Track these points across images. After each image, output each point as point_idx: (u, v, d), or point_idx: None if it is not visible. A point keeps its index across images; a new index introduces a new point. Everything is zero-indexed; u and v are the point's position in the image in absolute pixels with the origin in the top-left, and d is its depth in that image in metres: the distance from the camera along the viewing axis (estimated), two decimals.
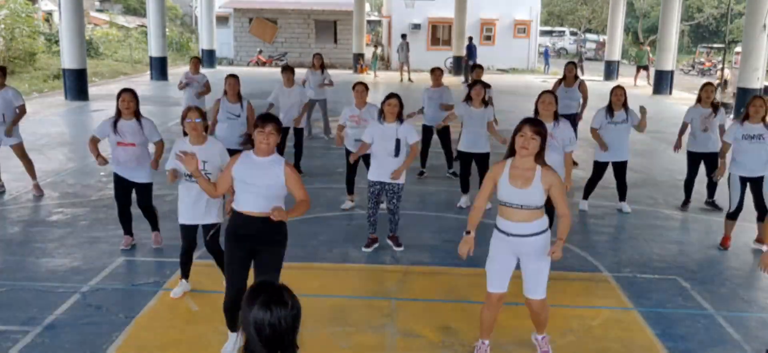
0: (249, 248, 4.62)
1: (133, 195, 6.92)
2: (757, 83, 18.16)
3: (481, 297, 6.00)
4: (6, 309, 5.55)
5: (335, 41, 35.15)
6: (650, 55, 29.59)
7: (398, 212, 7.10)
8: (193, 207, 5.55)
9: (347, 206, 8.63)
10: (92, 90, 20.22)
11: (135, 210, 7.01)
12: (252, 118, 8.26)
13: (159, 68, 25.64)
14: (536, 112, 6.76)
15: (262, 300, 2.27)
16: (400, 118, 6.88)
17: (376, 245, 7.15)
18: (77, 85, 18.74)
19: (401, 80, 27.66)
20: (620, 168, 8.54)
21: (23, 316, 5.39)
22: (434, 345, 5.12)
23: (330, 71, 13.67)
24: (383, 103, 6.89)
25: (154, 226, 7.08)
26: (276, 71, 29.05)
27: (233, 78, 8.46)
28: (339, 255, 6.94)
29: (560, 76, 11.19)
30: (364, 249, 7.10)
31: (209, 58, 30.65)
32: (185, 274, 5.91)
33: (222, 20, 34.88)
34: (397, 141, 6.82)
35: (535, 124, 4.43)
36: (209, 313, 5.54)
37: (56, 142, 12.76)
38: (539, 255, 4.53)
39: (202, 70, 12.79)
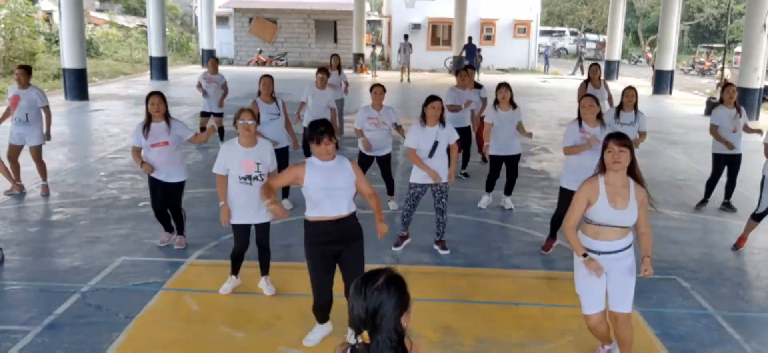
0: (334, 252, 4.70)
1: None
2: (757, 83, 18.17)
3: (481, 297, 6.05)
4: (6, 309, 5.56)
5: (335, 41, 35.15)
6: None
7: (446, 212, 7.04)
8: (247, 208, 5.55)
9: (392, 207, 8.60)
10: (92, 90, 20.23)
11: (139, 211, 7.01)
12: (287, 115, 8.32)
13: (159, 68, 25.64)
14: (580, 118, 6.66)
15: (355, 288, 2.37)
16: (442, 121, 6.81)
17: (407, 242, 7.16)
18: (77, 84, 18.74)
19: (401, 80, 27.67)
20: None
21: (23, 316, 5.39)
22: (434, 344, 5.12)
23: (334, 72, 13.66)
24: (425, 105, 6.79)
25: (181, 229, 7.05)
26: (277, 71, 29.12)
27: (268, 78, 8.37)
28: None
29: (585, 78, 11.17)
30: (393, 248, 7.10)
31: (209, 57, 30.63)
32: (235, 271, 5.91)
33: (222, 20, 34.89)
34: (435, 143, 6.76)
35: (619, 137, 4.32)
36: (209, 313, 5.54)
37: (56, 142, 12.73)
38: (628, 268, 4.45)
39: (203, 70, 12.84)
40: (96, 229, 7.62)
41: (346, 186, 4.61)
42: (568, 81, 29.16)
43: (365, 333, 2.31)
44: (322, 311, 4.91)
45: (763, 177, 7.34)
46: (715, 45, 41.05)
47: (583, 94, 10.80)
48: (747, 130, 8.72)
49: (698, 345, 5.23)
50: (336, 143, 4.68)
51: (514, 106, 8.34)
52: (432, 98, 6.79)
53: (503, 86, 8.38)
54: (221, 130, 11.91)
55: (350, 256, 4.74)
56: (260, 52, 34.30)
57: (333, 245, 4.66)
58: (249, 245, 5.79)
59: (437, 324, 5.42)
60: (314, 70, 13.48)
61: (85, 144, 13.06)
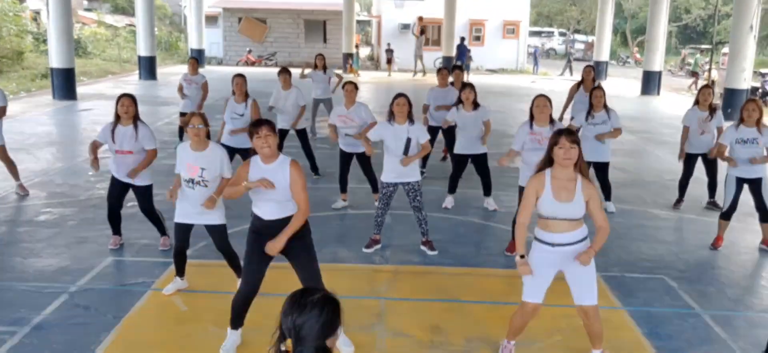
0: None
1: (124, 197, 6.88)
2: (744, 84, 18.31)
3: (470, 296, 6.06)
4: None
5: (325, 41, 35.13)
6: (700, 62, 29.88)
7: (424, 209, 7.05)
8: (188, 209, 5.58)
9: (339, 205, 8.64)
10: (80, 89, 20.13)
11: (127, 211, 6.98)
12: (256, 115, 8.32)
13: (148, 68, 25.54)
14: (532, 116, 6.78)
15: (291, 298, 2.50)
16: (410, 118, 6.81)
17: (377, 247, 7.15)
18: (65, 84, 18.63)
19: (414, 75, 28.89)
20: (601, 169, 8.53)
21: (11, 316, 5.36)
22: (423, 344, 5.13)
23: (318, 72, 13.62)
24: (392, 103, 6.81)
25: (162, 230, 7.02)
26: (266, 71, 29.07)
27: (240, 77, 8.43)
28: (329, 255, 6.93)
29: (579, 79, 11.20)
30: (365, 249, 7.08)
31: (198, 57, 30.54)
32: (180, 272, 5.89)
33: (211, 20, 34.76)
34: (408, 140, 6.76)
35: (570, 133, 4.45)
36: (198, 313, 5.53)
37: (44, 142, 12.69)
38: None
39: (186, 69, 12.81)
40: (84, 229, 7.58)
41: (281, 190, 4.58)
42: (557, 81, 29.25)
43: (289, 342, 2.40)
44: (241, 306, 4.81)
45: (727, 175, 7.44)
46: (702, 46, 41.29)
47: (575, 94, 10.91)
48: (719, 133, 8.74)
49: (686, 344, 5.26)
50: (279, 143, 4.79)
51: (476, 106, 8.38)
52: (398, 95, 6.81)
53: (467, 87, 8.48)
54: (181, 131, 11.95)
55: (299, 254, 4.75)
56: (250, 51, 34.21)
57: (269, 240, 4.66)
58: (189, 245, 5.79)
59: (426, 324, 5.43)
60: (308, 72, 13.55)
61: (73, 144, 12.99)
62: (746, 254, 7.49)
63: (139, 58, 25.91)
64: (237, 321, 4.92)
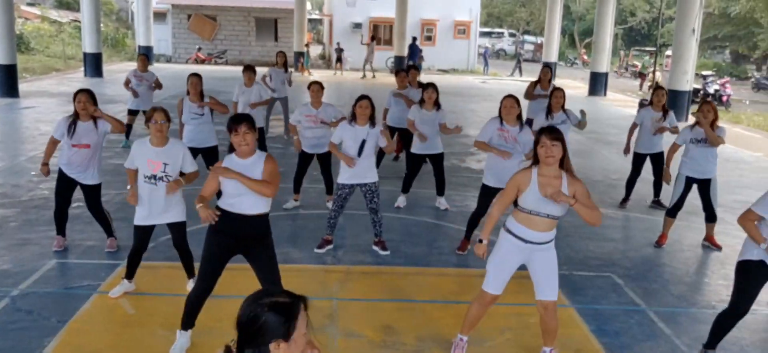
0: (232, 245, 4.69)
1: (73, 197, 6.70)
2: (686, 86, 18.82)
3: (422, 295, 6.09)
4: None
5: (276, 39, 34.87)
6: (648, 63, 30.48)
7: (380, 211, 7.03)
8: (150, 210, 5.48)
9: (290, 206, 8.58)
10: (23, 86, 19.56)
11: (72, 212, 6.81)
12: (217, 106, 8.28)
13: (93, 64, 24.94)
14: (500, 116, 6.86)
15: (261, 291, 2.45)
16: (371, 121, 6.78)
17: (329, 247, 7.11)
18: (7, 81, 18.06)
19: (365, 77, 28.55)
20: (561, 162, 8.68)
21: None
22: (375, 344, 5.13)
23: (264, 69, 13.53)
24: (355, 105, 6.79)
25: (109, 231, 6.85)
26: (216, 69, 28.72)
27: (196, 77, 8.30)
28: (280, 256, 6.74)
29: (536, 79, 11.33)
30: (316, 250, 7.04)
31: (147, 55, 29.97)
32: (130, 275, 5.77)
33: (159, 16, 34.15)
34: (362, 142, 6.73)
35: (552, 131, 4.48)
36: (146, 316, 5.42)
37: None
38: (550, 259, 4.61)
39: (134, 66, 12.59)
40: (26, 231, 7.36)
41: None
42: (507, 82, 29.62)
43: (236, 339, 2.38)
44: (194, 305, 4.78)
45: (677, 174, 7.64)
46: (647, 48, 42.34)
47: (531, 94, 11.08)
48: (675, 133, 9.01)
49: (631, 340, 5.38)
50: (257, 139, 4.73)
51: (438, 107, 8.43)
52: (361, 97, 6.80)
53: (430, 87, 8.54)
54: (129, 128, 11.78)
55: (260, 255, 4.75)
56: (199, 49, 33.73)
57: (232, 240, 4.66)
58: (146, 248, 5.71)
59: (378, 324, 5.43)
60: (268, 69, 13.45)
61: (14, 142, 12.61)
62: (689, 251, 7.70)
63: (85, 54, 25.28)
64: (188, 322, 4.84)
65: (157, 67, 25.17)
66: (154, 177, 5.40)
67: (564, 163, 4.48)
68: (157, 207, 5.48)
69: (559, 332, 5.26)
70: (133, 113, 12.01)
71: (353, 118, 6.80)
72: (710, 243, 7.73)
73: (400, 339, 5.21)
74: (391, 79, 10.91)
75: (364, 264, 6.84)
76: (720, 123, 7.57)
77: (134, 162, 5.48)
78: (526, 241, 4.53)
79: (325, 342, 5.15)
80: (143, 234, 5.62)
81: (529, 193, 4.46)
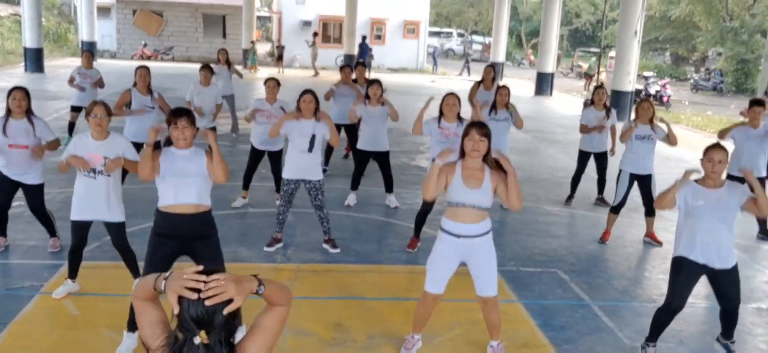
0: (176, 247, 4.64)
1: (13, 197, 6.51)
2: (629, 86, 19.30)
3: (372, 293, 6.12)
4: None
5: (224, 36, 34.40)
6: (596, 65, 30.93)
7: (325, 208, 7.02)
8: (90, 204, 5.35)
9: (238, 204, 8.50)
10: None
11: (12, 211, 6.62)
12: (166, 106, 8.17)
13: (34, 60, 24.21)
14: (441, 113, 6.95)
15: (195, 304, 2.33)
16: (316, 115, 6.78)
17: (279, 245, 7.08)
18: None
19: (316, 74, 28.79)
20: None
21: None
22: (326, 342, 5.14)
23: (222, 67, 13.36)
24: (299, 99, 6.78)
25: (51, 231, 6.68)
26: (163, 65, 28.21)
27: (144, 69, 8.18)
28: (229, 255, 6.75)
29: (479, 79, 11.45)
30: (266, 248, 7.00)
31: (90, 50, 29.23)
32: (73, 274, 5.64)
33: (103, 11, 33.33)
34: (312, 136, 6.74)
35: (481, 126, 4.61)
36: (91, 317, 5.32)
37: None
38: (488, 253, 4.69)
39: (78, 62, 12.31)
40: None
41: (196, 174, 4.60)
42: (456, 81, 29.89)
43: (204, 333, 2.31)
44: None
45: (620, 172, 7.87)
46: (591, 49, 43.24)
47: (475, 94, 11.25)
48: (613, 132, 9.29)
49: (576, 334, 5.52)
50: (196, 130, 4.70)
51: (383, 103, 8.50)
52: (305, 92, 6.81)
53: (375, 83, 8.60)
54: (72, 125, 11.56)
55: (206, 254, 4.68)
56: (145, 45, 33.05)
57: (176, 240, 4.62)
58: (85, 244, 5.61)
59: (329, 322, 5.44)
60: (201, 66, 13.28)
61: None
62: (631, 247, 7.92)
63: (25, 49, 24.51)
64: (135, 325, 4.76)
65: (101, 64, 24.61)
66: (93, 170, 5.30)
67: (487, 159, 4.61)
68: (94, 203, 5.36)
69: (507, 327, 5.37)
70: (76, 110, 11.72)
71: (298, 112, 6.80)
72: (651, 239, 7.96)
73: (350, 337, 5.23)
74: (336, 77, 11.05)
75: (314, 263, 6.83)
76: (656, 121, 7.83)
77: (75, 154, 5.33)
78: (458, 236, 4.62)
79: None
80: (80, 230, 5.49)
81: (455, 185, 4.59)
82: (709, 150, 4.81)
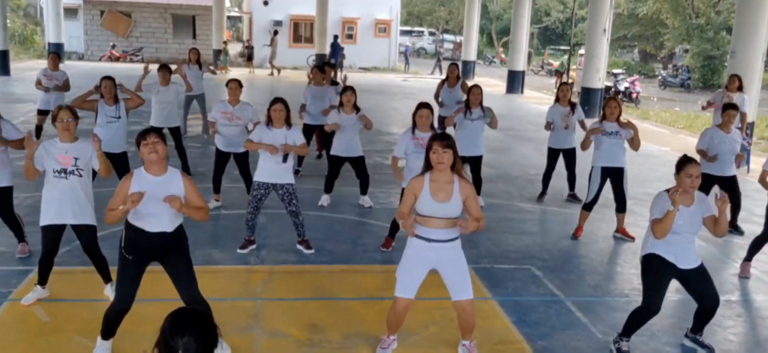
0: (146, 259, 4.58)
1: None
2: (598, 83, 19.52)
3: (347, 293, 6.11)
4: None
5: (194, 37, 34.09)
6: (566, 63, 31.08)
7: (300, 213, 6.98)
8: (60, 208, 5.25)
9: (212, 206, 8.42)
10: None
11: None
12: (135, 98, 8.35)
13: (0, 63, 23.78)
14: (414, 125, 6.94)
15: (175, 319, 2.62)
16: (288, 123, 6.75)
17: (252, 247, 7.03)
18: None
19: (271, 74, 27.78)
20: (476, 162, 8.86)
21: None
22: (301, 343, 5.12)
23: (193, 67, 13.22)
24: (270, 108, 6.73)
25: (20, 236, 6.54)
26: (132, 67, 27.87)
27: (109, 80, 8.04)
28: (201, 258, 6.75)
29: (444, 77, 11.54)
30: (239, 250, 6.95)
31: (58, 52, 28.73)
32: (43, 280, 5.54)
33: (70, 12, 32.88)
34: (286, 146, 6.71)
35: (442, 138, 4.59)
36: (62, 323, 5.23)
37: None
38: (458, 257, 4.69)
39: (44, 64, 12.13)
40: None
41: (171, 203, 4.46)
42: (428, 80, 29.97)
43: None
44: (113, 320, 4.64)
45: (592, 168, 7.96)
46: (561, 47, 43.67)
47: (439, 92, 11.35)
48: (582, 126, 9.39)
49: (551, 330, 5.56)
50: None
51: (357, 109, 8.49)
52: (276, 101, 6.76)
53: (348, 90, 8.59)
54: (39, 129, 11.41)
55: (177, 263, 4.64)
56: (113, 47, 32.63)
57: (148, 254, 4.56)
58: (57, 251, 5.51)
59: (304, 323, 5.42)
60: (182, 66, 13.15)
61: None
62: (603, 243, 8.01)
63: None
64: (108, 333, 4.70)
65: (68, 65, 24.25)
66: (65, 171, 5.21)
67: (455, 167, 4.60)
68: (65, 206, 5.27)
69: (482, 324, 5.40)
70: (43, 113, 11.56)
71: (269, 121, 6.75)
72: (623, 235, 8.05)
73: (325, 337, 5.21)
74: (300, 76, 11.08)
75: (288, 264, 6.80)
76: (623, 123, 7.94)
77: (42, 162, 5.23)
78: (429, 240, 4.62)
79: (250, 343, 5.10)
80: (52, 235, 5.39)
81: (423, 199, 4.57)
82: (685, 165, 4.90)
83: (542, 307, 6.01)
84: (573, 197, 9.69)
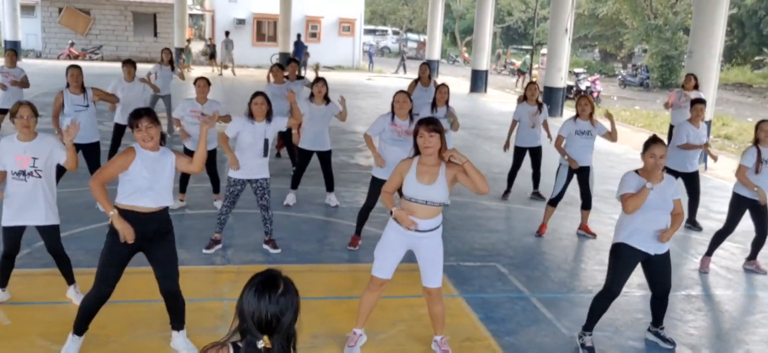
0: (134, 247, 4.56)
1: None
2: (560, 82, 19.79)
3: (314, 292, 6.10)
4: None
5: (155, 35, 33.64)
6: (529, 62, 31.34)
7: (271, 208, 6.96)
8: (22, 208, 5.14)
9: (176, 206, 8.31)
10: None
11: None
12: (105, 96, 8.27)
13: None
14: (393, 111, 6.96)
15: (256, 286, 2.37)
16: (268, 117, 6.74)
17: (218, 247, 6.97)
18: None
19: (220, 74, 27.31)
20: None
21: None
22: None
23: (149, 66, 13.07)
24: (250, 102, 6.72)
25: None
26: (92, 65, 27.40)
27: (76, 69, 7.91)
28: None
29: (416, 77, 11.58)
30: (205, 250, 6.89)
31: (15, 50, 28.11)
32: (4, 283, 5.43)
33: (27, 9, 32.14)
34: (266, 141, 6.70)
35: (429, 122, 4.64)
36: (24, 326, 5.13)
37: None
38: (436, 247, 4.77)
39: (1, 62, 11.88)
40: None
41: (167, 177, 4.63)
42: (392, 79, 30.04)
43: (266, 338, 2.32)
44: (91, 311, 4.61)
45: (559, 165, 8.08)
46: (523, 47, 44.13)
47: (412, 91, 11.38)
48: (545, 126, 9.54)
49: (517, 326, 5.63)
50: (162, 135, 4.66)
51: (327, 101, 8.49)
52: (257, 94, 6.76)
53: (320, 81, 8.56)
54: None
55: (162, 252, 4.68)
56: (72, 45, 32.00)
57: (140, 239, 4.54)
58: (18, 251, 5.41)
59: None
60: (152, 65, 12.98)
61: None
62: (567, 240, 8.13)
63: None
64: (83, 326, 4.64)
65: (26, 63, 23.73)
66: (23, 173, 5.10)
67: (441, 153, 4.65)
68: (27, 206, 5.16)
69: (449, 322, 5.43)
70: (0, 112, 11.29)
71: (250, 114, 6.73)
72: (585, 232, 8.19)
73: None
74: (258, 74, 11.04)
75: (255, 264, 6.76)
76: (600, 117, 8.07)
77: (2, 160, 5.13)
78: (408, 229, 4.67)
79: None
80: (13, 235, 5.28)
81: (409, 181, 4.64)
82: (650, 145, 4.98)
83: (508, 304, 6.08)
84: (537, 195, 9.82)
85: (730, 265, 7.48)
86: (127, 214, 4.49)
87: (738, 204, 7.02)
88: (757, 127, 7.00)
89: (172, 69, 12.87)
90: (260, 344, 2.32)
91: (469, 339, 5.38)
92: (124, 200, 4.52)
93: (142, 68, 10.96)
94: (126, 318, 5.29)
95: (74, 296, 5.49)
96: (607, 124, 8.01)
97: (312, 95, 8.50)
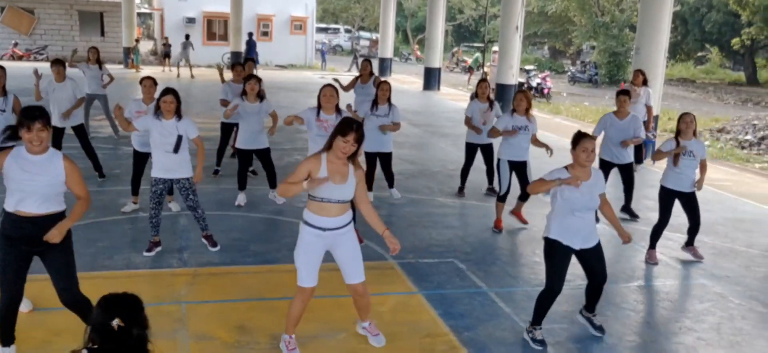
0: (27, 251, 4.36)
1: None
2: (512, 80, 20.03)
3: (274, 293, 6.07)
4: None
5: (102, 34, 32.94)
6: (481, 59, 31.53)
7: (200, 207, 6.87)
8: None
9: (129, 209, 8.18)
10: None
11: None
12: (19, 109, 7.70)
13: None
14: (319, 105, 6.95)
15: (105, 309, 2.53)
16: (178, 114, 6.64)
17: (158, 249, 6.86)
18: None
19: (178, 76, 26.78)
20: (385, 158, 8.82)
21: None
22: (229, 345, 5.06)
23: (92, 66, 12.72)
24: (159, 99, 6.63)
25: None
26: (37, 65, 26.66)
27: (0, 69, 7.69)
28: (121, 262, 6.57)
29: (358, 74, 11.60)
30: (145, 253, 6.78)
31: None
32: None
33: None
34: (179, 137, 6.60)
35: (358, 130, 4.57)
36: None
37: None
38: (352, 242, 4.77)
39: None
40: None
41: (48, 184, 4.29)
42: (345, 77, 29.99)
43: (117, 320, 2.50)
44: (7, 318, 4.45)
45: (498, 160, 8.23)
46: (475, 44, 44.57)
47: (352, 88, 11.47)
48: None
49: (476, 321, 5.69)
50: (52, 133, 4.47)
51: (261, 98, 8.45)
52: (166, 91, 6.67)
53: (253, 78, 8.54)
54: None
55: (56, 258, 4.45)
56: (15, 45, 31.12)
57: (26, 243, 4.35)
58: None
59: (231, 325, 5.35)
60: (79, 64, 12.65)
61: None
62: (521, 234, 8.25)
63: None
64: (7, 337, 4.50)
65: None
66: None
67: (353, 156, 4.65)
68: None
69: (410, 318, 5.49)
70: None
71: (158, 111, 6.63)
72: (517, 218, 8.46)
73: (254, 339, 5.16)
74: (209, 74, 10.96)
75: (212, 265, 6.69)
76: (533, 112, 8.23)
77: None
78: (323, 229, 4.68)
79: (176, 347, 5.00)
80: None
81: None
82: (581, 140, 5.08)
83: (467, 299, 6.14)
84: (492, 191, 9.93)
85: (678, 255, 7.69)
86: (11, 218, 4.30)
87: (666, 196, 7.32)
88: (679, 119, 7.33)
89: (100, 68, 12.57)
90: (115, 322, 2.45)
91: (430, 335, 5.41)
92: (8, 204, 4.32)
93: (71, 71, 10.56)
94: (76, 325, 5.16)
95: (22, 304, 5.34)
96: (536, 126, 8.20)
97: (244, 92, 8.41)
